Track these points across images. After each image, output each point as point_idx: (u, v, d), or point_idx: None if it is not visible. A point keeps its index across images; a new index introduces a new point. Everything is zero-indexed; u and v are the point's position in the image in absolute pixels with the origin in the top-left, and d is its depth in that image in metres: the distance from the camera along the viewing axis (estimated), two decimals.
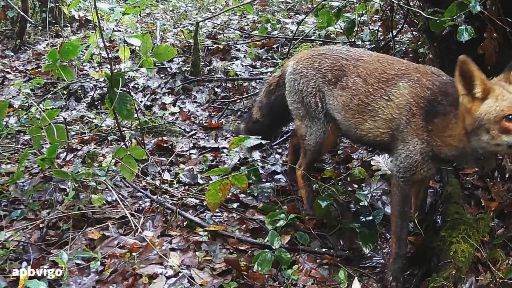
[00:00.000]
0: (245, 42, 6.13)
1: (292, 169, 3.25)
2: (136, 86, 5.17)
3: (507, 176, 2.93)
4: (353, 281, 2.22)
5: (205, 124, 4.41)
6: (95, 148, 3.82)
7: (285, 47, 5.69)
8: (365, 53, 2.77)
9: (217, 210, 2.93)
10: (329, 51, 2.85)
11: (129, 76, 5.03)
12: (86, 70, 5.45)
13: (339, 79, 2.71)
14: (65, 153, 3.59)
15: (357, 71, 2.65)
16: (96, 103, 4.85)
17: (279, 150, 3.92)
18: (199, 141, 4.11)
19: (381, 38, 4.72)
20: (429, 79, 2.41)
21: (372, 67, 2.62)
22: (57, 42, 6.58)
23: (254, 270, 2.42)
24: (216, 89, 5.02)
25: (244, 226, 2.90)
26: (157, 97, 4.97)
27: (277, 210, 2.85)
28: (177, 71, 5.30)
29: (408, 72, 2.49)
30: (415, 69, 2.50)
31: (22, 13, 6.15)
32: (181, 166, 3.63)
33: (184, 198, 3.08)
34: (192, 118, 4.57)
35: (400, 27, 4.69)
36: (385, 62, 2.61)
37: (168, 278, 2.40)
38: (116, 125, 3.67)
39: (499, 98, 2.10)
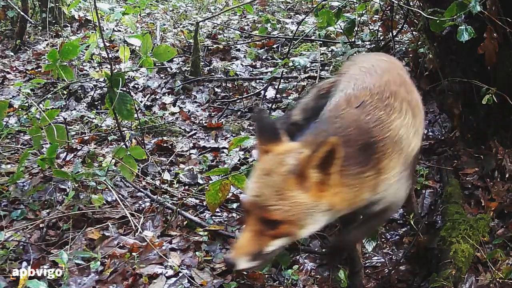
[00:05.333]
0: (245, 42, 6.13)
1: None
2: (136, 86, 5.17)
3: (507, 176, 2.92)
4: None
5: (205, 124, 4.41)
6: (95, 148, 3.82)
7: (285, 47, 5.68)
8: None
9: (217, 210, 2.93)
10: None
11: (129, 76, 5.02)
12: (86, 70, 5.44)
13: None
14: (65, 153, 3.58)
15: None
16: (96, 103, 4.85)
17: None
18: (199, 141, 4.10)
19: (381, 38, 4.71)
20: None
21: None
22: (57, 42, 6.57)
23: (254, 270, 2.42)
24: (216, 89, 5.01)
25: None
26: (157, 97, 4.96)
27: None
28: (177, 71, 5.29)
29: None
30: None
31: (22, 13, 6.15)
32: (181, 166, 3.62)
33: (184, 198, 3.08)
34: (192, 118, 4.57)
35: (400, 27, 4.67)
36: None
37: (168, 278, 2.40)
38: (116, 125, 3.67)
39: None
